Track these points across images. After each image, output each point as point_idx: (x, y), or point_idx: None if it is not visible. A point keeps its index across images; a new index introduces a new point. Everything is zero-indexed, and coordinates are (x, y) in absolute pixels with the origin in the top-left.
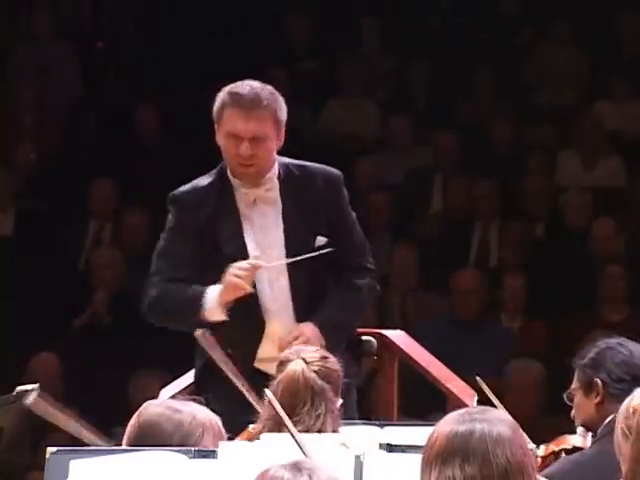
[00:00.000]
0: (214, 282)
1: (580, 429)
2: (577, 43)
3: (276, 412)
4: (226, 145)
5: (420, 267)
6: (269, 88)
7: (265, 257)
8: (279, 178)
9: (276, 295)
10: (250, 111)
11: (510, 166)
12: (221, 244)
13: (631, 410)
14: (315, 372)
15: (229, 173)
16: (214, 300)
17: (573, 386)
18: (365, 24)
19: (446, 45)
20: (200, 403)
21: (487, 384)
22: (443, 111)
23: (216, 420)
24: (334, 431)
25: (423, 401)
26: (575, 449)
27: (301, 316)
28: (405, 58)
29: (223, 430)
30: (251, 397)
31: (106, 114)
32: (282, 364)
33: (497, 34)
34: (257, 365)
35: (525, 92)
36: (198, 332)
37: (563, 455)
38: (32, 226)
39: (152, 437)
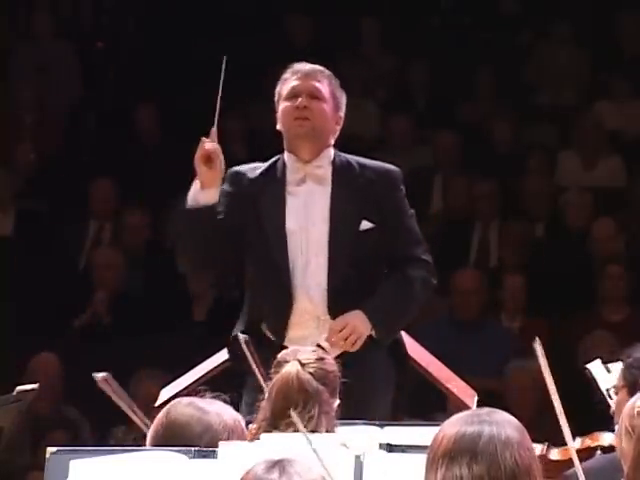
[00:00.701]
0: (254, 255)
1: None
2: (577, 43)
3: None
4: (284, 108)
5: None
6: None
7: (306, 233)
8: (333, 162)
9: (313, 271)
10: (308, 74)
11: (510, 166)
12: (262, 217)
13: (636, 410)
14: (311, 374)
15: (285, 153)
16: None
17: (617, 384)
18: (365, 24)
19: (446, 45)
20: (225, 401)
21: (487, 384)
22: (443, 111)
23: (240, 420)
24: (327, 431)
25: (423, 401)
26: (612, 447)
27: (334, 298)
28: (405, 58)
29: (245, 430)
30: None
31: (106, 114)
32: (279, 365)
33: (497, 34)
34: (287, 344)
35: (525, 92)
36: (241, 337)
37: (599, 452)
38: (32, 226)
39: (181, 437)
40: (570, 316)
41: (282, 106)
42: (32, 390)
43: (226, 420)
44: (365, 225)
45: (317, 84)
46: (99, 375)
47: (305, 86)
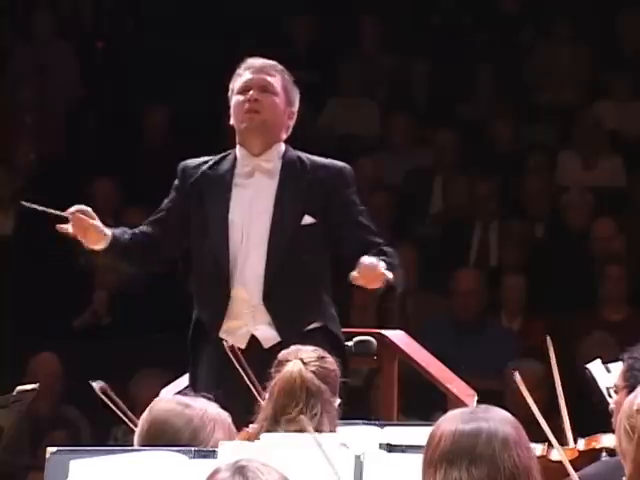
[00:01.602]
0: (197, 245)
1: None
2: (577, 43)
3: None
4: (235, 102)
5: (420, 267)
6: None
7: (248, 226)
8: (283, 157)
9: (252, 263)
10: (261, 68)
11: (510, 166)
12: (207, 208)
13: (635, 408)
14: (313, 372)
15: (237, 147)
16: None
17: (618, 383)
18: (366, 24)
19: (446, 44)
20: (209, 400)
21: (487, 384)
22: (443, 110)
23: (226, 416)
24: (331, 431)
25: (423, 401)
26: (609, 450)
27: (270, 289)
28: (405, 57)
29: (233, 426)
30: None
31: (106, 114)
32: (280, 364)
33: (497, 34)
34: (222, 335)
35: (525, 91)
36: (228, 344)
37: (604, 454)
38: (32, 226)
39: (163, 433)
40: (570, 316)
41: (234, 100)
42: (32, 390)
43: (209, 413)
44: (307, 220)
45: (269, 78)
46: (95, 385)
47: (256, 80)
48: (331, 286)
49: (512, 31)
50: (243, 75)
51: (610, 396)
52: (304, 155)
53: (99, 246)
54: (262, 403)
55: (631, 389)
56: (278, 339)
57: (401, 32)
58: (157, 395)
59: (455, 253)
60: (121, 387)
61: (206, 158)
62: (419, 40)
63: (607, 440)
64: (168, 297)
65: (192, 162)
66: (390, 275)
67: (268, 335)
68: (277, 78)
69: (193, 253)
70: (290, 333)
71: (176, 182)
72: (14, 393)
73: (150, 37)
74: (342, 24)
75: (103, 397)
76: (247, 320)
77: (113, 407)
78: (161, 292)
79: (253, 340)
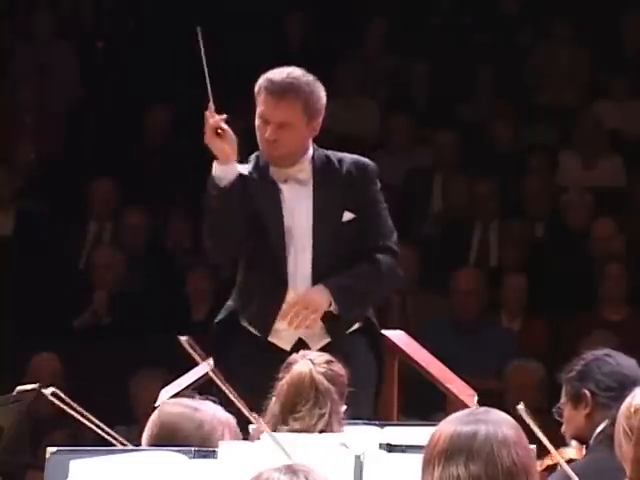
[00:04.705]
0: (252, 244)
1: (574, 442)
2: (577, 43)
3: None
4: (258, 126)
5: (420, 267)
6: (307, 78)
7: (291, 230)
8: (312, 161)
9: (300, 265)
10: (280, 98)
11: (510, 166)
12: (261, 210)
13: (632, 409)
14: (322, 373)
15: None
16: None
17: (562, 401)
18: (365, 24)
19: (447, 45)
20: (214, 402)
21: (487, 384)
22: (443, 111)
23: (233, 419)
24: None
25: (423, 401)
26: (571, 461)
27: None
28: (405, 58)
29: (238, 429)
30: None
31: (106, 114)
32: (288, 365)
33: (497, 34)
34: (271, 339)
35: (525, 92)
36: (182, 338)
37: (559, 468)
38: (32, 226)
39: (173, 436)
40: (570, 316)
41: (257, 123)
42: (32, 390)
43: (219, 416)
44: (347, 216)
45: (286, 112)
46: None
47: (274, 115)
48: None
49: (512, 32)
50: (264, 96)
51: (561, 417)
52: (330, 152)
53: (231, 168)
54: (269, 403)
55: (573, 400)
56: (327, 340)
57: (401, 32)
58: (157, 395)
59: (455, 253)
60: (121, 387)
61: (245, 165)
62: (419, 40)
63: (565, 454)
64: (168, 297)
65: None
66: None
67: (315, 336)
68: (296, 106)
69: (248, 252)
70: (338, 332)
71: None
72: (14, 393)
73: (150, 37)
74: (342, 24)
75: (189, 350)
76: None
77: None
78: (161, 292)
79: (299, 342)
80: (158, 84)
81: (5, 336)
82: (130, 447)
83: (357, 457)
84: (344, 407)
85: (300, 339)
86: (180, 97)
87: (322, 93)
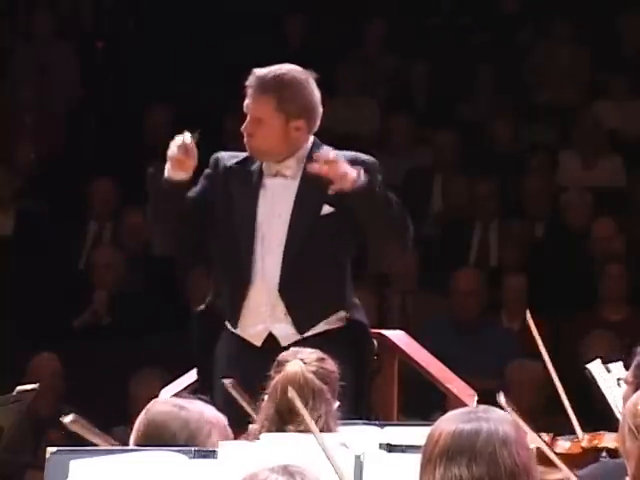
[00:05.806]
0: (220, 237)
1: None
2: (577, 42)
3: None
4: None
5: (420, 267)
6: (293, 75)
7: (269, 224)
8: (308, 157)
9: (271, 259)
10: (255, 93)
11: (510, 166)
12: (234, 201)
13: (638, 407)
14: (313, 372)
15: None
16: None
17: (628, 377)
18: (366, 24)
19: (446, 45)
20: (205, 402)
21: (487, 384)
22: (443, 111)
23: (222, 418)
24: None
25: (423, 401)
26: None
27: (287, 278)
28: (405, 58)
29: (229, 429)
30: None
31: (106, 114)
32: (280, 365)
33: (497, 34)
34: (239, 332)
35: (525, 91)
36: (227, 382)
37: (604, 455)
38: (32, 226)
39: (160, 435)
40: (570, 316)
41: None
42: (32, 390)
43: (207, 416)
44: (326, 209)
45: (259, 108)
46: (67, 419)
47: (250, 110)
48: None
49: (512, 31)
50: (248, 90)
51: (619, 385)
52: (331, 149)
53: (184, 175)
54: (262, 403)
55: (638, 386)
56: (297, 337)
57: (401, 32)
58: (157, 395)
59: (455, 253)
60: (121, 387)
61: (237, 153)
62: (419, 40)
63: (609, 439)
64: (168, 297)
65: (225, 155)
66: (354, 175)
67: (286, 332)
68: (269, 103)
69: (217, 243)
70: (308, 327)
71: (208, 171)
72: (14, 393)
73: (150, 37)
74: (342, 24)
75: (233, 392)
76: (265, 317)
77: (87, 435)
78: (161, 292)
79: (270, 338)
80: (158, 84)
81: (5, 336)
82: (130, 447)
83: (357, 457)
84: (337, 404)
85: (270, 335)
86: (180, 97)
87: (308, 91)
